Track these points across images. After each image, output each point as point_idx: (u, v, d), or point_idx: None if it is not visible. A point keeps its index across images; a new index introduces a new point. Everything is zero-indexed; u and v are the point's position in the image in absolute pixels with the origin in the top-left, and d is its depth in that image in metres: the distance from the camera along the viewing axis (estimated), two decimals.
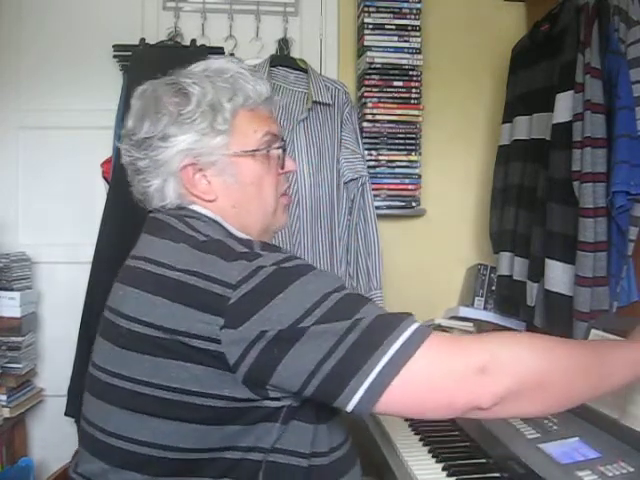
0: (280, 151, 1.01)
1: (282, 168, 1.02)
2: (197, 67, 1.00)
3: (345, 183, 2.07)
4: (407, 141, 2.14)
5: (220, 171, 0.95)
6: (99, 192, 2.10)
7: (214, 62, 1.00)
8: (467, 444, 1.30)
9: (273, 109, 1.04)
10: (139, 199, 1.02)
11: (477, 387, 0.77)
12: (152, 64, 2.03)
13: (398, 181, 2.15)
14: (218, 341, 0.78)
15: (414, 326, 0.79)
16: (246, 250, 0.84)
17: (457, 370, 0.78)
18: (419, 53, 2.12)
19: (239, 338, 0.78)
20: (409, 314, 0.82)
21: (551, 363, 0.81)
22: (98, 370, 0.90)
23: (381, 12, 2.11)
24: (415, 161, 2.15)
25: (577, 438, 1.17)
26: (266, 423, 0.83)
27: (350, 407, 0.77)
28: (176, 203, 0.96)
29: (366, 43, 2.11)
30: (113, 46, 2.11)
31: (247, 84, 0.97)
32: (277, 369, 0.78)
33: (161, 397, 0.82)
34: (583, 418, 1.22)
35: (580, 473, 1.02)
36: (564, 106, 1.61)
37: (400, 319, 0.80)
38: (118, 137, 2.02)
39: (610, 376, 0.87)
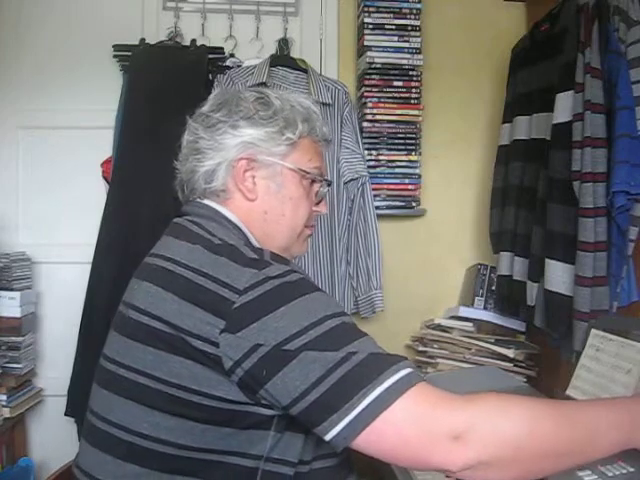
0: (324, 189, 1.09)
1: (317, 205, 1.09)
2: (281, 92, 1.09)
3: (345, 183, 2.07)
4: (407, 141, 2.14)
5: (269, 175, 1.01)
6: (99, 192, 2.10)
7: (295, 94, 1.10)
8: None
9: (327, 155, 1.13)
10: (181, 181, 1.05)
11: (448, 453, 0.77)
12: (152, 64, 2.04)
13: (398, 181, 2.15)
14: (216, 344, 0.80)
15: (403, 372, 0.79)
16: (256, 257, 0.87)
17: (431, 431, 0.77)
18: (419, 53, 2.12)
19: (236, 344, 0.80)
20: (403, 358, 0.82)
21: (533, 438, 0.79)
22: (106, 360, 0.92)
23: (381, 12, 2.11)
24: (415, 161, 2.15)
25: None
26: (260, 430, 0.85)
27: (328, 438, 0.78)
28: (220, 189, 1.00)
29: (366, 43, 2.11)
30: (113, 46, 2.11)
31: (317, 121, 1.06)
32: (266, 386, 0.80)
33: (162, 391, 0.84)
34: None
35: (580, 473, 1.02)
36: (564, 106, 1.61)
37: (391, 362, 0.80)
38: (119, 131, 2.04)
39: (594, 451, 0.84)
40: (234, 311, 0.80)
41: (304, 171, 1.03)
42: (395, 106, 2.12)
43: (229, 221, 0.98)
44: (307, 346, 0.79)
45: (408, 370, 0.80)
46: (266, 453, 0.86)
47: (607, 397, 0.94)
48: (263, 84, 2.00)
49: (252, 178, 1.00)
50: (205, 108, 1.04)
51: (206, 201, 1.02)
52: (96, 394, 0.94)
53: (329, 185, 1.10)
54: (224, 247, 0.89)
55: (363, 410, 0.76)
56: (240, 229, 0.98)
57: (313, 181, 1.06)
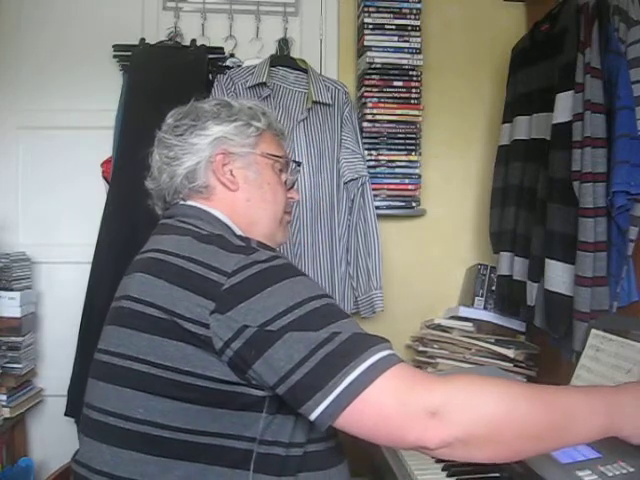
0: (293, 177, 1.18)
1: (289, 191, 1.16)
2: (237, 100, 1.16)
3: (345, 183, 2.07)
4: (407, 141, 2.14)
5: (245, 165, 1.08)
6: (99, 192, 2.10)
7: (244, 100, 1.17)
8: None
9: (286, 148, 1.20)
10: (157, 196, 1.11)
11: (425, 429, 0.79)
12: (152, 64, 2.04)
13: (398, 181, 2.15)
14: (207, 325, 0.83)
15: (383, 353, 0.82)
16: (243, 244, 0.91)
17: (409, 407, 0.79)
18: (419, 53, 2.12)
19: (225, 325, 0.83)
20: (384, 340, 0.85)
21: (509, 418, 0.80)
22: (100, 353, 0.95)
23: (381, 12, 2.11)
24: (415, 161, 2.15)
25: None
26: (252, 412, 0.88)
27: (312, 417, 0.81)
28: (204, 185, 1.05)
29: (366, 43, 2.11)
30: (113, 46, 2.11)
31: (271, 117, 1.15)
32: (253, 366, 0.83)
33: (156, 375, 0.86)
34: None
35: (580, 473, 1.02)
36: (564, 106, 1.61)
37: (372, 343, 0.82)
38: (119, 131, 2.04)
39: (573, 436, 0.85)
40: (223, 292, 0.84)
41: (275, 156, 1.11)
42: (395, 106, 2.12)
43: (214, 218, 1.03)
44: (291, 326, 0.82)
45: (388, 351, 0.83)
46: (259, 435, 0.88)
47: (585, 385, 0.95)
48: (263, 84, 2.00)
49: (230, 171, 1.06)
50: (170, 120, 1.10)
51: (190, 202, 1.06)
52: (92, 388, 0.95)
53: (299, 165, 1.18)
54: (212, 237, 0.93)
55: (345, 389, 0.78)
56: (225, 224, 1.03)
57: (281, 170, 1.13)
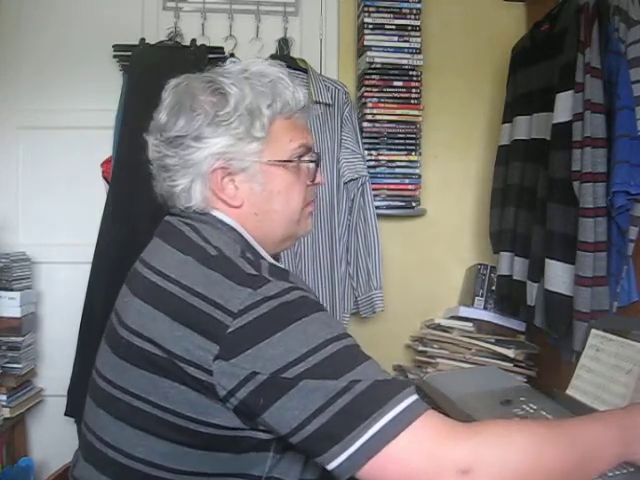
0: (312, 164, 0.99)
1: (312, 180, 1.00)
2: (235, 67, 0.97)
3: (345, 183, 2.07)
4: (407, 141, 2.14)
5: (250, 178, 0.93)
6: (99, 192, 2.10)
7: (254, 64, 0.97)
8: None
9: (309, 119, 1.02)
10: (161, 195, 0.98)
11: None
12: (152, 64, 2.04)
13: (398, 181, 2.15)
14: (210, 372, 0.77)
15: (408, 400, 0.75)
16: (254, 273, 0.81)
17: (437, 465, 0.73)
18: (419, 53, 2.12)
19: (230, 372, 0.76)
20: (407, 384, 0.78)
21: (538, 466, 0.76)
22: (100, 378, 0.89)
23: (381, 12, 2.11)
24: (415, 161, 2.14)
25: None
26: (258, 453, 0.83)
27: (330, 467, 0.75)
28: (202, 206, 0.92)
29: (366, 43, 2.11)
30: (113, 46, 2.11)
31: (286, 90, 0.95)
32: (263, 416, 0.76)
33: (157, 416, 0.81)
34: None
35: None
36: (564, 106, 1.61)
37: (395, 391, 0.76)
38: (119, 131, 2.03)
39: (595, 468, 0.83)
40: (228, 335, 0.76)
41: (286, 160, 0.94)
42: (395, 106, 2.12)
43: (224, 224, 0.92)
44: (307, 374, 0.75)
45: (413, 398, 0.76)
46: (266, 473, 0.84)
47: (601, 411, 0.93)
48: None
49: (232, 183, 0.92)
50: (161, 120, 0.94)
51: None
52: (91, 410, 0.90)
53: (317, 154, 1.01)
54: (219, 260, 0.83)
55: (366, 442, 0.72)
56: (237, 231, 0.92)
57: (300, 158, 0.97)
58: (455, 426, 0.77)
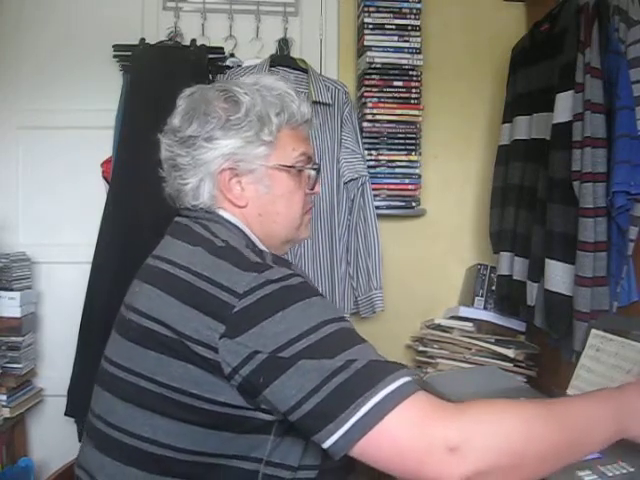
0: (313, 173, 1.06)
1: (311, 189, 1.07)
2: (247, 79, 1.05)
3: (345, 183, 2.07)
4: (407, 141, 2.14)
5: (256, 180, 0.99)
6: (99, 192, 2.10)
7: (264, 78, 1.05)
8: None
9: (310, 132, 1.10)
10: (170, 195, 1.04)
11: (444, 465, 0.75)
12: (152, 64, 2.04)
13: (398, 181, 2.15)
14: (215, 350, 0.80)
15: (400, 381, 0.77)
16: (258, 261, 0.86)
17: (426, 442, 0.75)
18: (419, 53, 2.12)
19: (234, 350, 0.80)
20: (402, 366, 0.81)
21: (529, 443, 0.78)
22: (108, 363, 0.92)
23: (381, 12, 2.11)
24: (415, 161, 2.14)
25: None
26: (260, 435, 0.85)
27: (325, 446, 0.77)
28: (208, 204, 0.99)
29: (366, 43, 2.11)
30: (113, 46, 2.11)
31: (293, 103, 1.02)
32: (263, 393, 0.80)
33: (164, 395, 0.84)
34: None
35: (580, 473, 1.02)
36: (564, 106, 1.61)
37: (389, 371, 0.78)
38: (119, 131, 2.03)
39: (589, 446, 0.85)
40: (234, 315, 0.80)
41: (290, 166, 1.01)
42: (395, 106, 2.12)
43: (230, 223, 0.98)
44: (304, 353, 0.78)
45: (405, 379, 0.78)
46: (266, 456, 0.86)
47: (593, 390, 0.94)
48: None
49: (239, 184, 0.99)
50: (175, 123, 1.01)
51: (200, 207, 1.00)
52: (98, 396, 0.94)
53: (318, 169, 1.08)
54: (226, 250, 0.88)
55: (359, 419, 0.75)
56: (241, 229, 0.98)
57: (300, 170, 1.04)
58: (444, 405, 0.79)
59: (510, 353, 1.92)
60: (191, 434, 0.84)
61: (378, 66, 2.11)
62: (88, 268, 1.98)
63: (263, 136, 0.98)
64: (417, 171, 2.15)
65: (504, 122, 2.03)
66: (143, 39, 2.10)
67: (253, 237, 0.99)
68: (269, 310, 0.81)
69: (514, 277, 1.89)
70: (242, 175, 0.98)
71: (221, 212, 0.99)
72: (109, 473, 0.88)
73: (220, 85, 1.02)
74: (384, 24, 2.11)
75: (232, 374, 0.80)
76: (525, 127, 1.88)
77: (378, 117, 2.12)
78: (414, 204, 2.17)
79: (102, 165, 2.11)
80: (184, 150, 0.98)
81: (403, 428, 0.76)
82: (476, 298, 2.15)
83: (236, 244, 0.90)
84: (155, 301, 0.87)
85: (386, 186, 2.14)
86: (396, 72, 2.12)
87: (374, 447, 0.76)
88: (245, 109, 0.97)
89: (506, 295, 1.98)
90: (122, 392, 0.88)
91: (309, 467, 0.90)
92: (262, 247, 0.98)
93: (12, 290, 2.00)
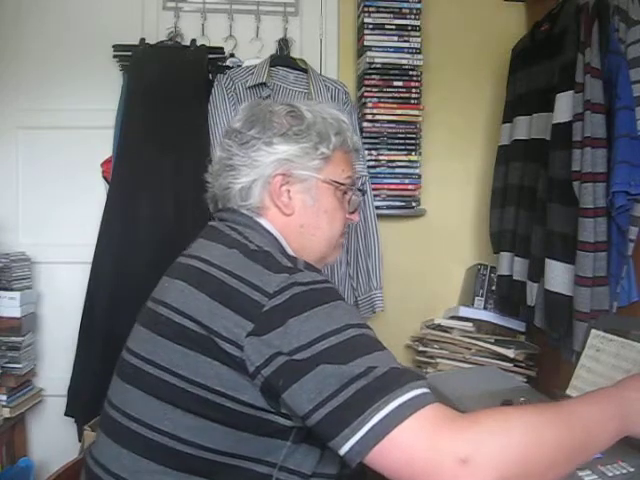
0: (355, 198, 1.11)
1: (350, 213, 1.11)
2: (310, 105, 1.10)
3: None
4: (407, 141, 2.14)
5: (304, 190, 1.03)
6: (99, 192, 2.10)
7: (324, 105, 1.10)
8: None
9: (356, 161, 1.16)
10: (214, 195, 1.07)
11: (455, 476, 0.74)
12: (152, 64, 2.04)
13: (398, 181, 2.15)
14: (241, 347, 0.81)
15: (417, 391, 0.78)
16: (290, 265, 0.88)
17: (438, 454, 0.75)
18: (419, 53, 2.12)
19: (259, 349, 0.81)
20: (420, 377, 0.81)
21: (539, 451, 0.78)
22: (131, 354, 0.93)
23: (381, 12, 2.11)
24: (415, 161, 2.15)
25: None
26: (277, 440, 0.86)
27: (342, 452, 0.77)
28: (256, 206, 1.01)
29: (366, 43, 2.11)
30: (113, 46, 2.11)
31: (348, 131, 1.08)
32: (283, 395, 0.80)
33: (186, 390, 0.84)
34: None
35: (580, 473, 1.02)
36: (564, 106, 1.61)
37: (407, 379, 0.79)
38: (119, 131, 2.03)
39: (596, 446, 0.85)
40: (263, 314, 0.82)
41: (338, 183, 1.05)
42: (395, 106, 2.12)
43: (266, 230, 1.00)
44: (325, 355, 0.79)
45: (422, 390, 0.78)
46: (280, 461, 0.86)
47: (594, 390, 0.95)
48: (263, 84, 2.00)
49: (287, 192, 1.01)
50: (237, 125, 1.05)
51: (243, 210, 1.03)
52: (117, 387, 0.94)
53: (363, 194, 1.12)
54: (260, 254, 0.90)
55: (374, 426, 0.75)
56: (277, 239, 1.00)
57: (345, 193, 1.08)
58: (458, 417, 0.79)
59: (510, 353, 1.92)
60: (210, 431, 0.84)
61: (378, 66, 2.12)
62: (88, 268, 1.98)
63: (320, 150, 1.02)
64: (417, 171, 2.15)
65: (504, 122, 2.03)
66: (143, 39, 2.11)
67: (287, 247, 1.01)
68: (296, 309, 0.82)
69: (514, 277, 1.89)
70: (293, 183, 1.02)
71: (260, 219, 1.01)
72: (124, 464, 0.88)
73: (285, 102, 1.08)
74: (384, 24, 2.11)
75: (255, 373, 0.81)
76: (525, 127, 1.88)
77: (378, 117, 2.12)
78: (414, 204, 2.17)
79: (102, 165, 2.11)
80: (242, 151, 1.02)
81: (415, 438, 0.75)
82: (476, 298, 2.15)
83: (269, 249, 0.92)
84: (186, 297, 0.88)
85: (386, 186, 2.14)
86: (396, 72, 2.12)
87: (386, 455, 0.76)
88: (307, 124, 1.03)
89: (506, 295, 1.98)
90: (144, 384, 0.89)
91: (323, 475, 0.90)
92: (293, 254, 0.99)
93: (12, 290, 2.00)
